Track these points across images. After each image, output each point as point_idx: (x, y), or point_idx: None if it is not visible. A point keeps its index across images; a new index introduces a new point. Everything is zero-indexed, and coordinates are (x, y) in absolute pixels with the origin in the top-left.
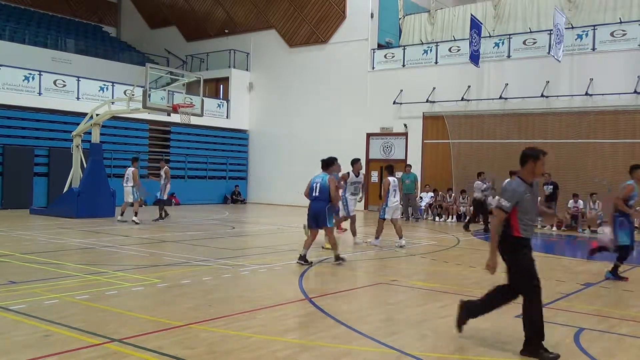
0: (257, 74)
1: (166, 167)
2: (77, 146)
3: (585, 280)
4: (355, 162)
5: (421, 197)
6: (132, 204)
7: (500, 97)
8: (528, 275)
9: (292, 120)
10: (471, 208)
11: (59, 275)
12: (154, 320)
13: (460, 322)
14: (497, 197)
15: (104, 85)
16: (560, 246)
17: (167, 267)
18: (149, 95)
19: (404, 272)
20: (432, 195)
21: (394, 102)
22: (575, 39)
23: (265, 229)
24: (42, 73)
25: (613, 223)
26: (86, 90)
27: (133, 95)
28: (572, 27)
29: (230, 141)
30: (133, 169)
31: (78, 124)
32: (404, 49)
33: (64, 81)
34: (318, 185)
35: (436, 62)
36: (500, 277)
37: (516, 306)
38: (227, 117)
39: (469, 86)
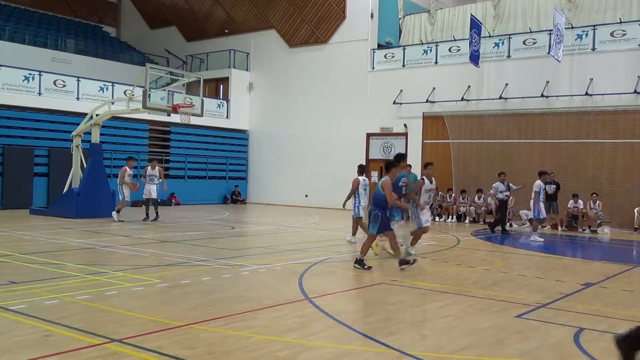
0: (257, 74)
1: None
2: (77, 146)
3: (585, 280)
4: (428, 165)
5: None
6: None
7: (500, 97)
8: None
9: (292, 120)
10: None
11: (59, 275)
12: (154, 320)
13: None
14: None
15: (104, 85)
16: (560, 246)
17: (167, 267)
18: (149, 96)
19: (404, 272)
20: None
21: (394, 102)
22: (575, 39)
23: (265, 229)
24: (42, 73)
25: None
26: (86, 91)
27: (133, 95)
28: (572, 27)
29: (230, 141)
30: (123, 167)
31: (78, 124)
32: (404, 49)
33: (64, 81)
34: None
35: (436, 62)
36: (500, 276)
37: (516, 306)
38: (227, 117)
39: (469, 86)
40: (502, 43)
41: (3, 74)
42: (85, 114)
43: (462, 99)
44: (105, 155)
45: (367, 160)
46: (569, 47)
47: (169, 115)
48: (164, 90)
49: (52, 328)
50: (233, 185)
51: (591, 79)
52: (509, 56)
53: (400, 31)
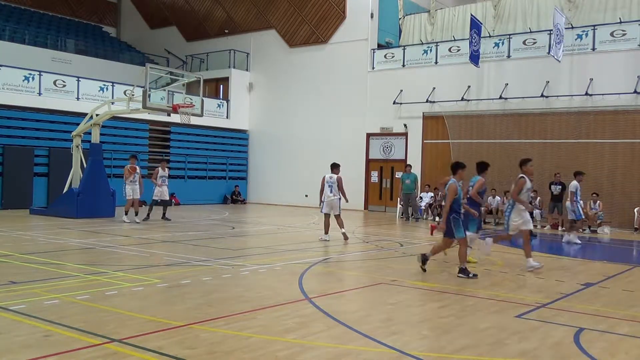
0: (257, 74)
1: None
2: (77, 146)
3: (585, 280)
4: (525, 162)
5: (421, 197)
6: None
7: (500, 97)
8: None
9: (292, 120)
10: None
11: (59, 275)
12: (154, 320)
13: None
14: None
15: (104, 85)
16: (560, 246)
17: (167, 267)
18: (149, 96)
19: (404, 272)
20: (432, 195)
21: (394, 102)
22: (575, 39)
23: (265, 229)
24: (42, 73)
25: None
26: (86, 91)
27: (133, 95)
28: (572, 27)
29: (230, 141)
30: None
31: (78, 124)
32: (404, 49)
33: (64, 81)
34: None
35: (436, 62)
36: (500, 276)
37: (516, 306)
38: (227, 117)
39: (469, 86)
40: (502, 43)
41: (3, 74)
42: (85, 114)
43: (462, 99)
44: (105, 155)
45: (367, 160)
46: (568, 47)
47: (169, 115)
48: (164, 90)
49: (52, 328)
50: (233, 185)
51: (591, 79)
52: (509, 56)
53: (400, 31)
